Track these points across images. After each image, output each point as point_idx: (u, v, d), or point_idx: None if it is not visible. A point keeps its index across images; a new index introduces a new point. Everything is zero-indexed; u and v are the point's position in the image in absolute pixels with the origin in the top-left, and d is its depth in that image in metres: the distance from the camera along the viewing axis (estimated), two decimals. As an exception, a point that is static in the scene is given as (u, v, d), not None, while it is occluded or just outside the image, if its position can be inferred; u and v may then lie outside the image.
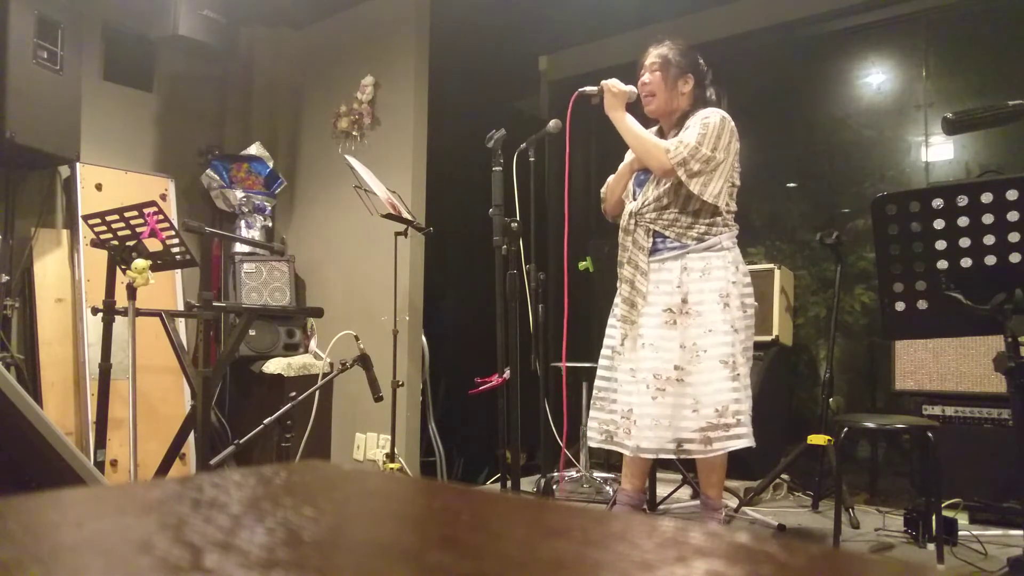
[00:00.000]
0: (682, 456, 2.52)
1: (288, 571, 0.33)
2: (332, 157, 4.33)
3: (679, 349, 2.50)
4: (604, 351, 2.76)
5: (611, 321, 2.76)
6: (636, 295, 2.61)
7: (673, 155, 2.49)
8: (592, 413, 2.73)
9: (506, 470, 2.84)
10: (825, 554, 0.37)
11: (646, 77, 2.67)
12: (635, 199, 2.71)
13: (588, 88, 2.70)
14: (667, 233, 2.59)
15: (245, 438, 2.42)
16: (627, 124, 2.63)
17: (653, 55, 2.69)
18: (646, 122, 2.79)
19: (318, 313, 3.83)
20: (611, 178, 2.83)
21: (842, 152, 4.19)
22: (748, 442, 2.47)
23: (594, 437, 2.70)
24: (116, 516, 0.43)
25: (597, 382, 2.74)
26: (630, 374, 2.60)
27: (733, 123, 2.60)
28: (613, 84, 2.66)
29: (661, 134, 2.74)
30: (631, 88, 2.67)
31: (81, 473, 1.18)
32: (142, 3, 3.97)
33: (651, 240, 2.62)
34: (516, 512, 0.47)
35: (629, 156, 2.82)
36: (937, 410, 3.21)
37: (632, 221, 2.67)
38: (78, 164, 3.73)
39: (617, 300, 2.75)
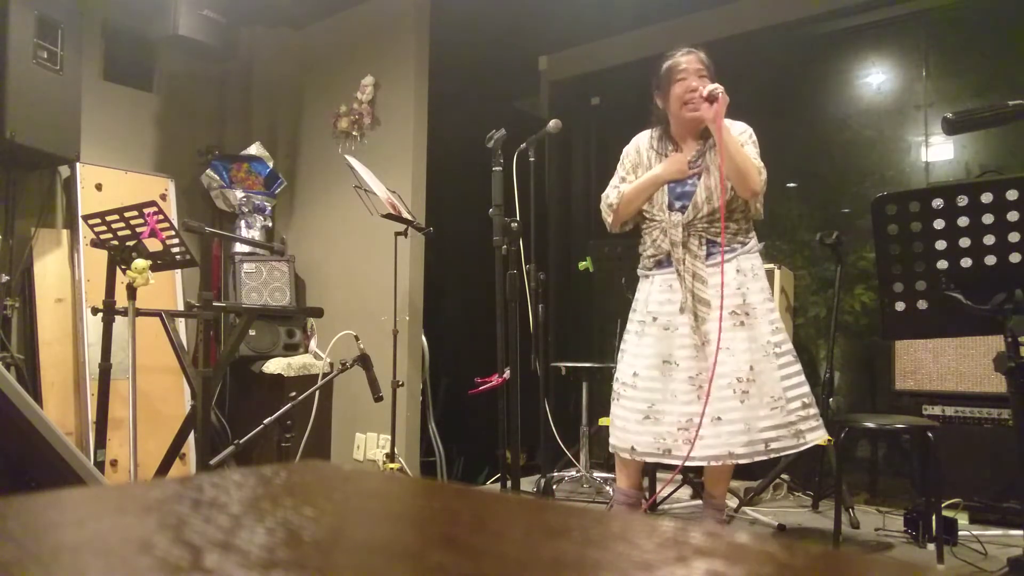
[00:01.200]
0: (772, 455, 2.52)
1: (288, 571, 0.33)
2: (332, 157, 4.33)
3: (750, 349, 2.53)
4: (642, 362, 2.65)
5: (650, 331, 2.66)
6: (699, 304, 2.58)
7: (762, 177, 2.59)
8: (642, 428, 2.60)
9: (506, 470, 2.84)
10: (825, 554, 0.37)
11: (695, 82, 2.60)
12: (672, 209, 2.65)
13: (714, 88, 2.54)
14: (718, 239, 2.60)
15: (245, 438, 2.42)
16: (733, 137, 2.57)
17: (696, 61, 2.63)
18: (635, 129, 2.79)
19: (318, 313, 3.83)
20: (628, 189, 2.73)
21: (842, 152, 4.19)
22: (826, 432, 2.60)
23: (650, 452, 2.59)
24: (116, 516, 0.43)
25: (641, 394, 2.63)
26: (689, 383, 2.54)
27: None
28: (721, 92, 2.55)
29: (675, 144, 2.72)
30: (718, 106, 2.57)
31: (81, 473, 1.18)
32: (142, 3, 3.97)
33: (705, 248, 2.62)
34: (516, 512, 0.47)
35: (642, 167, 2.75)
36: (937, 410, 3.21)
37: (685, 233, 2.61)
38: (78, 164, 3.73)
39: (656, 309, 2.66)
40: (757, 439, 2.47)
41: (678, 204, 2.66)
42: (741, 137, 2.62)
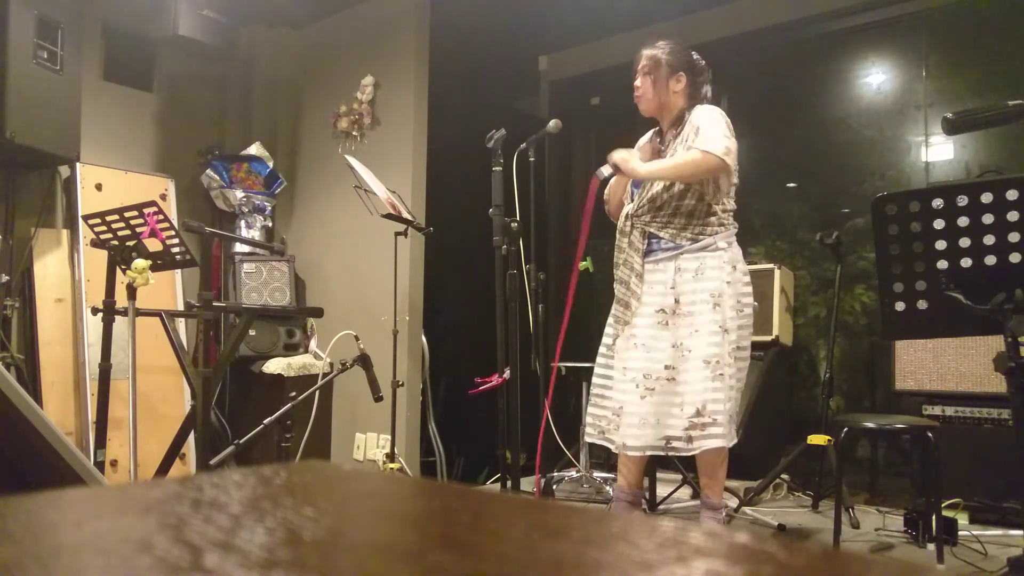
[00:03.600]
0: (670, 453, 2.58)
1: (288, 571, 0.33)
2: (332, 157, 4.33)
3: (671, 349, 2.54)
4: (601, 348, 2.80)
5: (610, 320, 2.79)
6: (630, 296, 2.66)
7: (712, 149, 2.46)
8: (589, 409, 2.78)
9: (506, 470, 2.84)
10: (825, 554, 0.37)
11: (637, 80, 2.71)
12: (630, 200, 2.76)
13: (603, 169, 2.67)
14: (662, 234, 2.62)
15: (245, 438, 2.42)
16: (653, 169, 2.59)
17: (643, 58, 2.72)
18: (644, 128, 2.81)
19: (318, 313, 3.82)
20: (612, 181, 2.84)
21: (842, 152, 4.19)
22: (722, 442, 2.47)
23: (590, 432, 2.75)
24: (116, 516, 0.43)
25: (594, 379, 2.79)
26: (622, 372, 2.65)
27: None
28: (617, 155, 2.62)
29: (659, 133, 2.78)
30: (626, 151, 2.64)
31: (81, 473, 1.18)
32: (142, 3, 3.97)
33: (646, 242, 2.65)
34: (516, 512, 0.47)
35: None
36: (937, 410, 3.21)
37: (628, 223, 2.71)
38: (78, 164, 3.73)
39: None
40: (656, 435, 2.52)
41: (635, 195, 2.74)
42: (696, 120, 2.59)
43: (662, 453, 2.59)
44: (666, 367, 2.52)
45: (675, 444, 2.52)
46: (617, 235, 2.77)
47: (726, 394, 2.48)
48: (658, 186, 2.62)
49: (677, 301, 2.56)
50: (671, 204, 2.59)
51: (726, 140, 2.50)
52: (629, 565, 0.35)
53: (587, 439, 2.81)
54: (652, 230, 2.63)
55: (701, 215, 2.58)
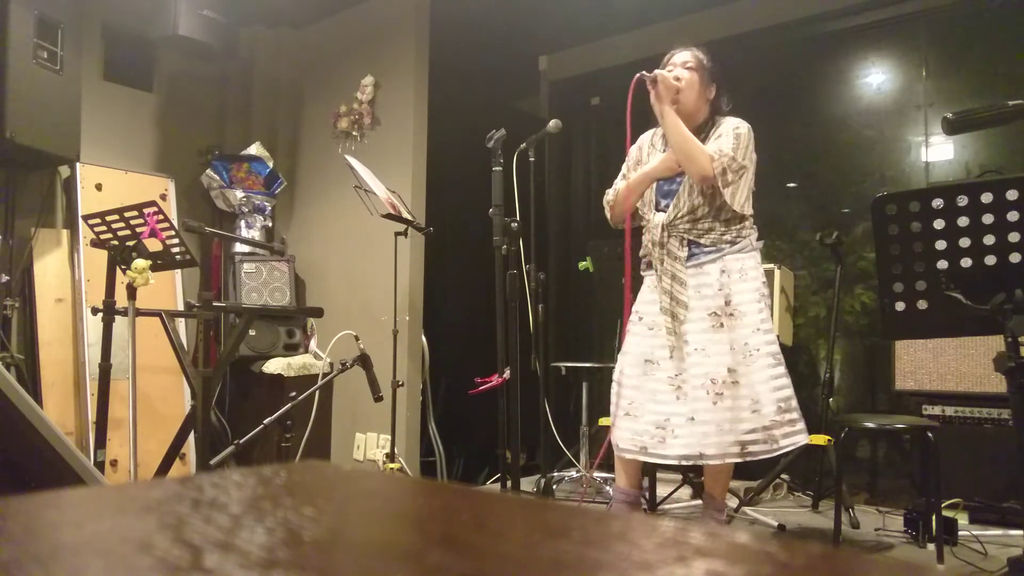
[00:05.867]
0: (748, 459, 2.50)
1: (288, 571, 0.33)
2: (332, 157, 4.33)
3: (730, 351, 2.49)
4: (629, 359, 2.68)
5: (636, 330, 2.69)
6: (676, 306, 2.57)
7: (716, 163, 2.49)
8: (623, 424, 2.63)
9: (506, 470, 2.84)
10: (825, 554, 0.37)
11: (679, 72, 2.62)
12: (658, 209, 2.67)
13: (646, 73, 2.55)
14: (702, 240, 2.58)
15: (245, 438, 2.41)
16: (676, 121, 2.55)
17: (686, 54, 2.65)
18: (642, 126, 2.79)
19: (318, 313, 3.83)
20: (622, 185, 2.76)
21: (842, 152, 4.19)
22: (806, 436, 2.54)
23: (628, 448, 2.61)
24: (116, 516, 0.43)
25: (624, 392, 2.66)
26: (668, 383, 2.55)
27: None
28: (668, 77, 2.56)
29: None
30: (679, 85, 2.59)
31: (81, 473, 1.18)
32: (142, 3, 3.97)
33: (686, 249, 2.60)
34: (516, 512, 0.47)
35: (642, 164, 2.76)
36: (937, 410, 3.21)
37: (665, 233, 2.61)
38: (78, 164, 3.73)
39: (643, 309, 2.70)
40: (731, 440, 2.45)
41: (663, 203, 2.66)
42: (721, 129, 2.61)
43: (739, 460, 2.50)
44: (729, 370, 2.47)
45: (752, 448, 2.46)
46: (649, 245, 2.67)
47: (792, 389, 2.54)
48: (699, 197, 2.57)
49: (728, 302, 2.53)
50: (711, 213, 2.57)
51: (731, 160, 2.50)
52: (629, 565, 0.35)
53: (623, 455, 2.64)
54: (691, 238, 2.59)
55: (737, 220, 2.59)
